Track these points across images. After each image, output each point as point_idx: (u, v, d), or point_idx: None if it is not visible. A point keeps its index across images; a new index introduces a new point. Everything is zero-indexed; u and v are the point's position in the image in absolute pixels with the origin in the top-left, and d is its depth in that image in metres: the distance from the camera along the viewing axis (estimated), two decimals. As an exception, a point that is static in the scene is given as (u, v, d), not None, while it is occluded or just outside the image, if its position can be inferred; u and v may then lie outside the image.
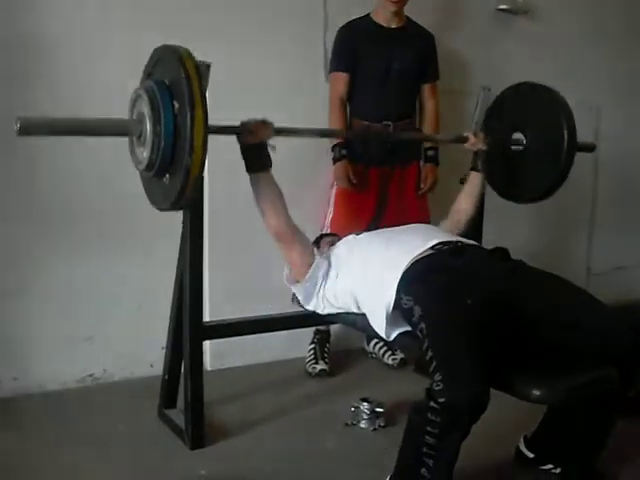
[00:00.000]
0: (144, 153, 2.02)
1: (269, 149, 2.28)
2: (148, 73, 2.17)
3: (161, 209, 2.17)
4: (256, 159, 2.26)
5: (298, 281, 2.38)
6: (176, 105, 1.94)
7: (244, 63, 3.13)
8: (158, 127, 1.94)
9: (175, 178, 1.98)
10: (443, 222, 2.71)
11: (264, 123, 2.27)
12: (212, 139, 2.32)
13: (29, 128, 1.92)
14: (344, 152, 3.16)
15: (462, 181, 3.12)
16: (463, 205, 2.73)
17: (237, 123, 2.27)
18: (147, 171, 2.06)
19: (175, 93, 1.95)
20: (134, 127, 2.05)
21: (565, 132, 2.76)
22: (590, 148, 3.13)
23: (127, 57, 2.65)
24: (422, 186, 3.31)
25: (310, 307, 2.42)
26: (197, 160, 1.90)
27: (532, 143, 2.90)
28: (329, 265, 2.36)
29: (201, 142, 1.89)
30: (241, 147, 2.26)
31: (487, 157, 2.79)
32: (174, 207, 2.09)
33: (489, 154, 2.80)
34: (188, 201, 2.07)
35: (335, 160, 3.18)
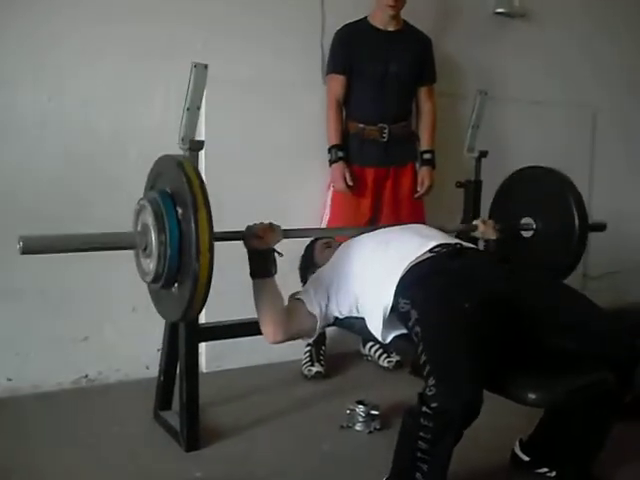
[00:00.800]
0: (150, 265, 1.97)
1: (276, 255, 2.19)
2: (151, 186, 2.14)
3: (172, 321, 2.13)
4: (263, 265, 2.17)
5: (315, 333, 2.32)
6: (179, 211, 1.90)
7: (241, 65, 3.14)
8: (163, 235, 1.89)
9: (184, 285, 1.92)
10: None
11: (271, 227, 2.20)
12: (208, 144, 2.33)
13: (32, 247, 1.90)
14: (341, 154, 3.17)
15: (458, 184, 3.13)
16: None
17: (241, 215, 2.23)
18: (155, 283, 2.00)
19: (178, 200, 1.91)
20: (139, 239, 2.01)
21: (575, 215, 2.75)
22: (601, 228, 3.09)
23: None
24: (418, 189, 3.32)
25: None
26: (205, 263, 1.83)
27: (542, 227, 2.90)
28: (324, 288, 2.30)
29: (207, 245, 1.83)
30: (248, 252, 2.19)
31: (498, 245, 2.74)
32: (185, 317, 2.03)
33: (500, 240, 2.75)
34: (199, 310, 2.00)
35: (332, 162, 3.19)
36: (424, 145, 3.37)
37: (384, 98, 3.20)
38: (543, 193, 2.89)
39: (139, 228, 2.03)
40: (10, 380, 2.88)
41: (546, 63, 4.12)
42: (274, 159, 3.24)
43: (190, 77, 2.35)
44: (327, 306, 2.28)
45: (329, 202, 3.29)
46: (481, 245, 2.80)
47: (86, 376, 3.03)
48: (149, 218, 1.94)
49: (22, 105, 2.80)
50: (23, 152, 2.81)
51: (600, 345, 1.96)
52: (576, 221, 2.75)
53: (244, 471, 2.32)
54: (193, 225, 1.82)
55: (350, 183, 3.17)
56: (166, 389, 2.66)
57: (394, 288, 2.07)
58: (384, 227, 2.54)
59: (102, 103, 2.94)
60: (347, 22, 3.23)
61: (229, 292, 3.14)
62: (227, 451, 2.46)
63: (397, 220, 3.15)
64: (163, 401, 2.66)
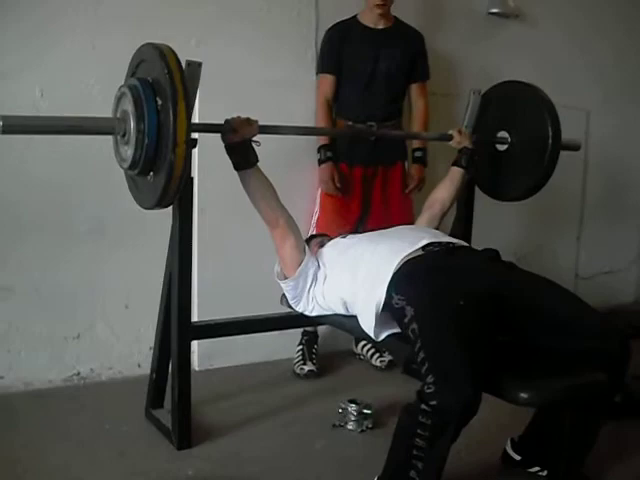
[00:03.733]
0: (128, 151, 2.03)
1: (254, 145, 2.29)
2: (132, 72, 2.17)
3: (146, 208, 2.16)
4: (242, 156, 2.26)
5: (287, 277, 2.36)
6: (159, 102, 1.95)
7: (235, 63, 3.14)
8: (141, 124, 1.95)
9: (159, 175, 1.98)
10: (419, 218, 2.71)
11: (248, 121, 2.28)
12: (201, 138, 2.34)
13: (12, 127, 1.93)
14: (329, 154, 3.17)
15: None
16: (439, 195, 2.71)
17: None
18: (131, 169, 2.06)
19: (158, 90, 1.96)
20: (118, 126, 2.06)
21: (549, 130, 2.78)
22: (575, 147, 3.13)
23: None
24: (410, 185, 3.32)
25: (299, 308, 2.41)
26: (181, 154, 1.90)
27: (517, 141, 2.92)
28: (318, 266, 2.35)
29: (184, 136, 1.89)
30: (225, 146, 2.27)
31: (472, 155, 2.79)
32: (159, 205, 2.08)
33: (474, 151, 2.80)
34: (172, 198, 2.07)
35: (320, 162, 3.18)
36: (415, 143, 3.36)
37: (373, 96, 3.20)
38: (519, 108, 2.92)
39: (118, 115, 2.07)
40: (1, 377, 2.87)
41: (540, 63, 4.12)
42: (266, 157, 3.23)
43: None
44: (312, 278, 2.34)
45: (318, 201, 3.29)
46: (475, 245, 2.80)
47: (78, 374, 3.02)
48: (129, 106, 1.98)
49: (14, 100, 2.79)
50: (14, 152, 2.80)
51: (592, 344, 1.96)
52: (549, 137, 2.77)
53: (236, 469, 2.32)
54: (172, 116, 1.87)
55: (338, 185, 3.17)
56: (158, 387, 2.65)
57: (387, 283, 2.06)
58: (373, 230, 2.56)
59: (94, 102, 2.93)
60: (337, 21, 3.23)
61: (222, 291, 3.15)
62: (219, 449, 2.45)
63: (386, 219, 3.14)
64: (155, 399, 2.66)
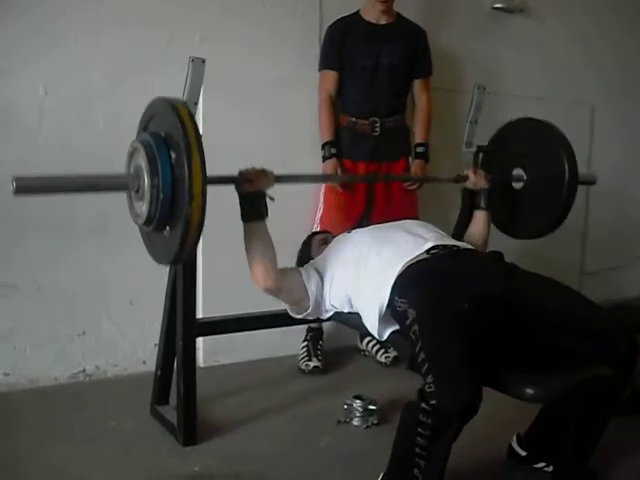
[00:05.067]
0: (143, 207, 1.96)
1: (267, 199, 2.20)
2: (144, 127, 2.12)
3: (163, 264, 2.13)
4: (253, 208, 2.18)
5: (304, 311, 2.33)
6: (173, 155, 1.89)
7: (239, 61, 3.14)
8: (156, 179, 1.88)
9: (175, 229, 1.92)
10: None
11: (264, 172, 2.20)
12: (207, 140, 2.33)
13: (25, 188, 1.88)
14: (334, 151, 3.17)
15: (455, 180, 3.11)
16: (473, 243, 2.57)
17: (235, 172, 2.20)
18: (147, 225, 2.00)
19: (171, 144, 1.90)
20: (132, 181, 2.00)
21: (566, 166, 2.71)
22: (591, 181, 3.09)
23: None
24: (409, 184, 3.31)
25: (324, 316, 2.39)
26: (197, 207, 1.84)
27: (533, 179, 2.86)
28: (320, 274, 2.32)
29: (200, 188, 1.83)
30: (239, 195, 2.18)
31: (489, 194, 2.72)
32: (177, 260, 2.04)
33: (490, 191, 2.73)
34: (190, 253, 2.01)
35: (325, 158, 3.18)
36: (418, 138, 3.36)
37: (376, 92, 3.20)
38: (535, 145, 2.86)
39: (132, 170, 2.03)
40: (7, 375, 2.88)
41: (544, 59, 4.12)
42: (270, 154, 3.22)
43: (187, 71, 2.34)
44: (322, 291, 2.29)
45: (322, 198, 3.29)
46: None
47: (83, 371, 3.03)
48: (142, 161, 1.94)
49: (19, 97, 2.79)
50: (20, 146, 2.80)
51: (600, 342, 1.96)
52: (566, 173, 2.71)
53: (241, 465, 2.32)
54: (186, 170, 1.82)
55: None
56: (163, 384, 2.66)
57: (390, 286, 2.07)
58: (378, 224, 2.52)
59: (99, 99, 2.93)
60: (339, 17, 3.22)
61: (227, 287, 3.15)
62: (224, 446, 2.46)
63: (390, 215, 3.13)
64: (160, 396, 2.66)
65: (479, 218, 2.69)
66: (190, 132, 1.86)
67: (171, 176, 1.88)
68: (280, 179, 2.27)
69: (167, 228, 1.97)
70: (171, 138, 1.91)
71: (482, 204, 2.71)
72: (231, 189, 2.37)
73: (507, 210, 2.92)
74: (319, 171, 3.25)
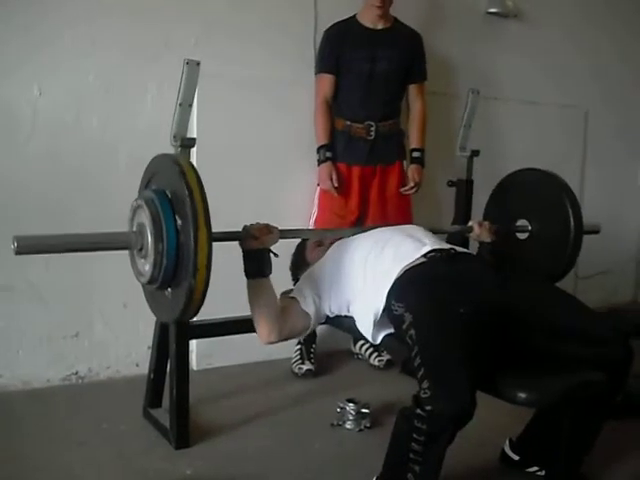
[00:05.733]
0: (146, 267, 1.95)
1: (272, 256, 2.17)
2: (146, 183, 2.10)
3: (165, 322, 2.14)
4: (257, 265, 2.15)
5: (308, 330, 2.32)
6: (179, 221, 1.86)
7: (234, 62, 3.14)
8: (160, 244, 1.86)
9: (179, 294, 1.90)
10: None
11: (268, 228, 2.18)
12: (200, 140, 2.33)
13: (27, 247, 1.88)
14: (329, 154, 3.18)
15: (449, 184, 3.12)
16: None
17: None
18: (149, 285, 1.99)
19: (177, 207, 1.88)
20: (135, 240, 1.98)
21: (571, 217, 2.73)
22: (594, 231, 3.07)
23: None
24: (407, 185, 3.31)
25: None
26: (201, 280, 1.82)
27: (538, 229, 2.87)
28: (317, 287, 2.30)
29: (205, 262, 1.81)
30: (243, 252, 2.17)
31: (493, 247, 2.69)
32: (177, 321, 2.05)
33: (494, 244, 2.70)
34: (192, 316, 2.01)
35: (320, 162, 3.19)
36: (413, 143, 3.37)
37: (371, 96, 3.20)
38: (540, 196, 2.86)
39: (134, 228, 2.00)
40: (0, 376, 2.87)
41: (538, 63, 4.13)
42: (265, 156, 3.24)
43: (182, 74, 2.34)
44: (320, 304, 2.28)
45: (317, 200, 3.29)
46: (474, 247, 2.79)
47: (76, 373, 3.02)
48: (146, 220, 1.90)
49: (12, 98, 2.79)
50: (12, 152, 2.80)
51: (594, 347, 1.96)
52: (572, 226, 2.72)
53: (234, 469, 2.32)
54: (192, 241, 1.79)
55: (336, 184, 3.17)
56: (156, 387, 2.65)
57: (387, 291, 2.08)
58: (378, 227, 2.51)
59: (93, 99, 2.93)
60: (336, 21, 3.23)
61: (220, 290, 3.14)
62: (217, 449, 2.45)
63: (384, 218, 3.15)
64: (153, 398, 2.66)
65: None
66: (198, 201, 1.82)
67: (176, 243, 1.86)
68: (285, 234, 2.25)
69: (169, 290, 1.95)
70: (177, 200, 1.88)
71: (485, 256, 2.68)
72: (229, 190, 2.38)
73: (510, 260, 2.88)
74: (315, 172, 3.25)
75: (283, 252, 2.54)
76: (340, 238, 2.48)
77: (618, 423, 2.32)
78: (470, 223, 2.75)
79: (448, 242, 2.37)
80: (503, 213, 2.97)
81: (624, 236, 4.76)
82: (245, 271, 2.15)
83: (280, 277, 2.32)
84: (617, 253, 4.75)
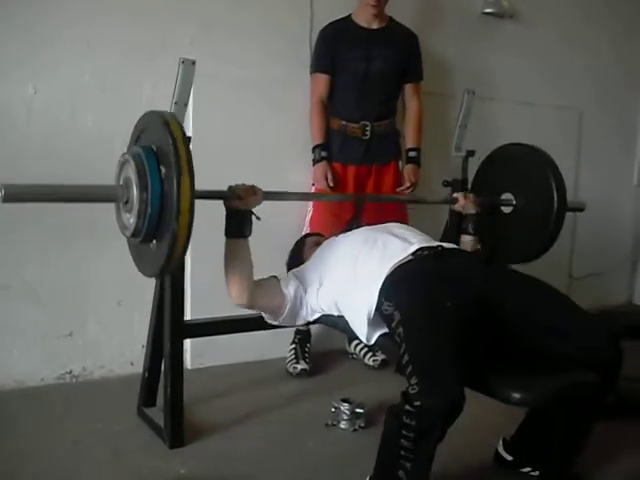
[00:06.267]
0: (131, 220, 1.97)
1: (254, 218, 2.20)
2: (135, 140, 2.14)
3: (148, 276, 2.15)
4: (238, 225, 2.18)
5: (279, 317, 2.33)
6: (163, 170, 1.90)
7: (229, 62, 3.14)
8: (145, 194, 1.89)
9: (162, 244, 1.93)
10: None
11: (254, 190, 2.20)
12: (197, 135, 2.33)
13: (14, 195, 1.88)
14: (324, 154, 3.19)
15: (445, 183, 3.12)
16: None
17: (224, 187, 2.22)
18: (134, 237, 2.01)
19: (162, 158, 1.91)
20: (121, 193, 2.00)
21: (555, 193, 2.74)
22: (579, 208, 3.10)
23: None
24: (403, 186, 3.32)
25: (299, 323, 2.40)
26: (184, 224, 1.84)
27: (522, 203, 2.89)
28: (304, 281, 2.32)
29: (188, 205, 1.84)
30: (227, 210, 2.19)
31: (477, 220, 2.70)
32: (162, 273, 2.05)
33: (479, 216, 2.71)
34: (175, 266, 2.02)
35: (315, 161, 3.19)
36: (409, 143, 3.37)
37: (367, 96, 3.20)
38: (525, 170, 2.88)
39: (121, 182, 2.04)
40: (-7, 375, 2.87)
41: (534, 64, 4.14)
42: (260, 156, 3.24)
43: (178, 73, 2.34)
44: (303, 296, 2.29)
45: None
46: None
47: (70, 372, 3.02)
48: (132, 174, 1.95)
49: (7, 97, 2.79)
50: (8, 149, 2.79)
51: (585, 347, 1.96)
52: (555, 201, 2.74)
53: (228, 468, 2.32)
54: (175, 187, 1.83)
55: (331, 184, 3.18)
56: (150, 386, 2.65)
57: (378, 289, 2.08)
58: (366, 227, 2.52)
59: (88, 98, 2.93)
60: (331, 20, 3.23)
61: (214, 289, 3.14)
62: (211, 448, 2.45)
63: (379, 218, 3.14)
64: (147, 398, 2.66)
65: (466, 244, 2.67)
66: (181, 148, 1.86)
67: (160, 191, 1.88)
68: (269, 196, 2.28)
69: (154, 241, 1.97)
70: (162, 153, 1.92)
71: (470, 229, 2.69)
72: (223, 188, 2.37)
73: (494, 234, 2.92)
74: (310, 172, 3.26)
75: (282, 249, 2.56)
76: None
77: (609, 424, 2.33)
78: (455, 195, 2.78)
79: (443, 240, 2.37)
80: (489, 186, 2.99)
81: (618, 237, 4.78)
82: (226, 230, 2.18)
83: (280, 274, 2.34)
84: (611, 254, 4.77)
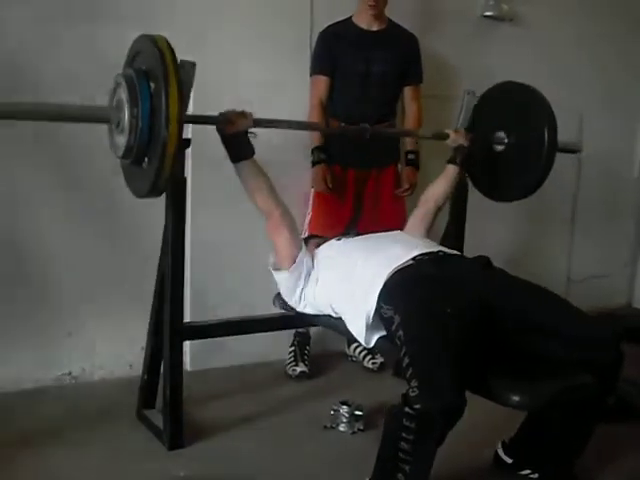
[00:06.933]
0: (122, 139, 2.05)
1: (250, 137, 2.31)
2: (129, 64, 2.20)
3: (141, 196, 2.18)
4: (238, 148, 2.29)
5: (281, 269, 2.38)
6: (152, 86, 1.98)
7: (230, 64, 3.13)
8: (135, 109, 1.98)
9: (153, 160, 2.01)
10: (413, 212, 2.73)
11: (243, 114, 2.30)
12: (196, 134, 2.33)
13: (11, 113, 1.97)
14: (323, 156, 3.18)
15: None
16: (434, 192, 2.74)
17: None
18: (126, 157, 2.09)
19: (152, 76, 2.00)
20: (113, 114, 2.08)
21: (546, 131, 2.77)
22: (575, 149, 3.14)
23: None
24: (402, 188, 3.31)
25: (291, 302, 2.43)
26: (174, 132, 1.92)
27: (514, 141, 2.92)
28: (312, 267, 2.37)
29: (176, 114, 1.92)
30: (221, 138, 2.29)
31: (468, 154, 2.80)
32: (153, 188, 2.09)
33: (471, 152, 2.80)
34: (166, 182, 2.08)
35: (314, 163, 3.19)
36: (408, 145, 3.36)
37: (366, 98, 3.19)
38: (517, 109, 2.92)
39: (114, 104, 2.10)
40: (-8, 377, 2.86)
41: (534, 66, 4.13)
42: (259, 158, 3.21)
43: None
44: (305, 276, 2.36)
45: (311, 202, 3.28)
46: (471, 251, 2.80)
47: (69, 373, 3.01)
48: (123, 94, 2.01)
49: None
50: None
51: (586, 350, 1.97)
52: (546, 139, 2.77)
53: (227, 470, 2.32)
54: (164, 97, 1.90)
55: (330, 185, 3.17)
56: (150, 387, 2.65)
57: (377, 293, 2.08)
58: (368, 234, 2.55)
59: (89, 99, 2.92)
60: (331, 23, 3.23)
61: (213, 291, 3.15)
62: (210, 450, 2.45)
63: (378, 220, 3.15)
64: (147, 399, 2.65)
65: (449, 171, 2.79)
66: (168, 60, 1.95)
67: (150, 105, 1.97)
68: (259, 122, 2.36)
69: (145, 160, 2.05)
70: (152, 70, 2.00)
71: (457, 160, 2.80)
72: (224, 193, 2.38)
73: (486, 172, 3.01)
74: (309, 177, 3.25)
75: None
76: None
77: (610, 426, 2.33)
78: (447, 131, 2.87)
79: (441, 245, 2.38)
80: (482, 124, 3.03)
81: (619, 239, 4.77)
82: (229, 156, 2.30)
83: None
84: (611, 256, 4.77)
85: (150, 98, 1.98)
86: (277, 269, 2.40)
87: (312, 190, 3.27)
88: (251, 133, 2.31)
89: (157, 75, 1.95)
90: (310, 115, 3.22)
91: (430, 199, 2.72)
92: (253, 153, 2.31)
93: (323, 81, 3.21)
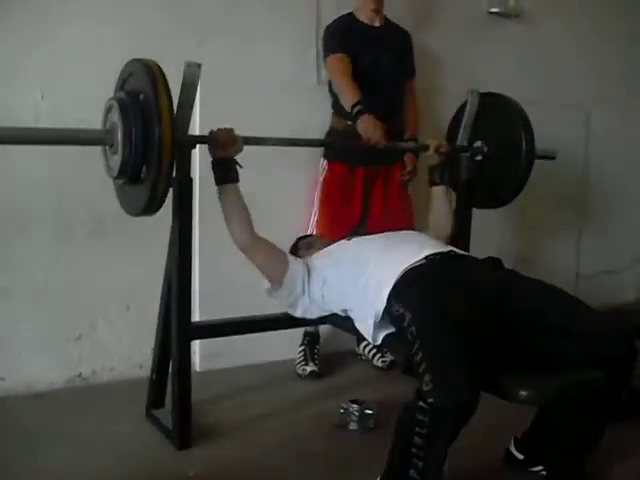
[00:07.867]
0: (117, 158, 2.11)
1: (237, 166, 2.36)
2: (120, 87, 2.28)
3: (135, 214, 2.23)
4: (225, 171, 2.33)
5: (275, 290, 2.42)
6: (141, 97, 2.07)
7: (236, 64, 3.14)
8: (128, 127, 2.05)
9: (149, 174, 2.06)
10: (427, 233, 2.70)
11: (233, 138, 2.33)
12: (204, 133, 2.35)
13: (5, 138, 2.02)
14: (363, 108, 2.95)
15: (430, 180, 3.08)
16: (440, 224, 2.73)
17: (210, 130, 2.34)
18: (121, 174, 2.14)
19: (144, 97, 2.08)
20: (107, 136, 2.14)
21: (523, 141, 2.84)
22: (551, 156, 3.16)
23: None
24: (403, 173, 3.30)
25: (298, 314, 2.47)
26: (166, 128, 2.00)
27: (492, 151, 2.99)
28: (309, 270, 2.39)
29: (167, 106, 2.01)
30: (212, 160, 2.34)
31: (441, 169, 2.80)
32: (149, 207, 2.15)
33: (442, 165, 2.81)
34: (161, 200, 2.13)
35: (360, 113, 2.92)
36: (408, 133, 3.33)
37: (374, 94, 3.14)
38: (494, 119, 2.98)
39: (108, 127, 2.16)
40: (3, 379, 2.87)
41: (540, 63, 4.13)
42: (265, 156, 3.22)
43: (183, 76, 2.34)
44: (306, 283, 2.39)
45: (317, 201, 3.26)
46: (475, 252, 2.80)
47: (79, 375, 3.02)
48: (116, 115, 2.08)
49: (15, 102, 2.79)
50: (13, 152, 2.80)
51: (598, 346, 1.96)
52: (523, 148, 2.84)
53: (236, 470, 2.31)
54: (153, 93, 2.02)
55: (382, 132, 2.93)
56: (159, 387, 2.65)
57: (388, 292, 2.09)
58: (380, 234, 2.54)
59: (95, 102, 2.93)
60: (335, 17, 3.20)
61: (223, 291, 3.15)
62: (219, 450, 2.45)
63: (387, 218, 3.15)
64: (156, 399, 2.65)
65: (437, 194, 2.78)
66: (155, 70, 2.07)
67: (142, 120, 2.05)
68: (248, 140, 2.40)
69: (141, 175, 2.11)
70: (143, 92, 2.08)
71: (436, 179, 2.80)
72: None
73: (466, 181, 3.08)
74: (318, 175, 3.25)
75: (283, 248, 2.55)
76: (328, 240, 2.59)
77: (624, 422, 2.32)
78: (428, 140, 2.89)
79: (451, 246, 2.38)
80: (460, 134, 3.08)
81: (627, 235, 4.76)
82: (215, 179, 2.34)
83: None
84: (620, 252, 4.75)
85: (142, 114, 2.06)
86: (273, 291, 2.44)
87: (318, 187, 3.25)
88: (238, 164, 2.35)
89: (145, 88, 2.04)
90: (337, 79, 3.07)
91: (439, 231, 2.70)
92: (237, 179, 2.34)
93: (343, 58, 3.05)
